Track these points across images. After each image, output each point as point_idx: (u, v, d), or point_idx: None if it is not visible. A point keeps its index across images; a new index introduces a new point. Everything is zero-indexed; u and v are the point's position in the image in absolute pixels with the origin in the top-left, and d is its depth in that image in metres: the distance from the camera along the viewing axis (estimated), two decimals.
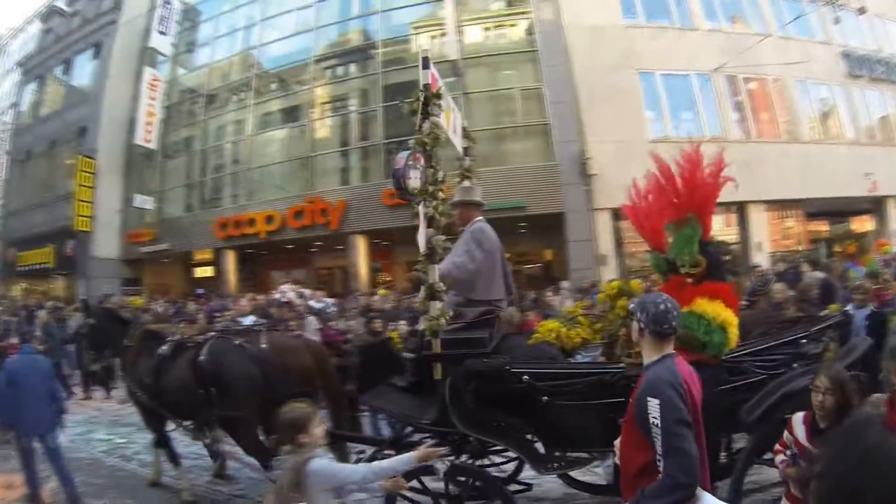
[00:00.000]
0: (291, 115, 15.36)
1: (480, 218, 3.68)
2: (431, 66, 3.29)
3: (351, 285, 13.33)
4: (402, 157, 3.18)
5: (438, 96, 3.22)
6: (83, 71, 18.99)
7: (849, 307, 5.01)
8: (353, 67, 14.95)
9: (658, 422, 1.84)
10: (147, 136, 16.28)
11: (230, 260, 15.25)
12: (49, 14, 22.16)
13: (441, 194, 3.18)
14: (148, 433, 4.79)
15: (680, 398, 1.87)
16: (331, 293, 11.37)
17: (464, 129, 4.40)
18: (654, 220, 3.18)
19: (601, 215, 11.88)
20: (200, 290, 14.12)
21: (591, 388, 2.66)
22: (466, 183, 4.18)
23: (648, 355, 2.04)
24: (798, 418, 2.43)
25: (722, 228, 12.60)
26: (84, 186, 15.96)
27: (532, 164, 12.47)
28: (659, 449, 1.85)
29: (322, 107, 14.86)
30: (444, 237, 3.12)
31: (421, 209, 3.11)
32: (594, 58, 12.29)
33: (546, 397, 2.70)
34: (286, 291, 8.11)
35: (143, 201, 16.33)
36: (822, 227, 15.05)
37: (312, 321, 6.40)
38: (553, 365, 2.95)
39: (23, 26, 25.02)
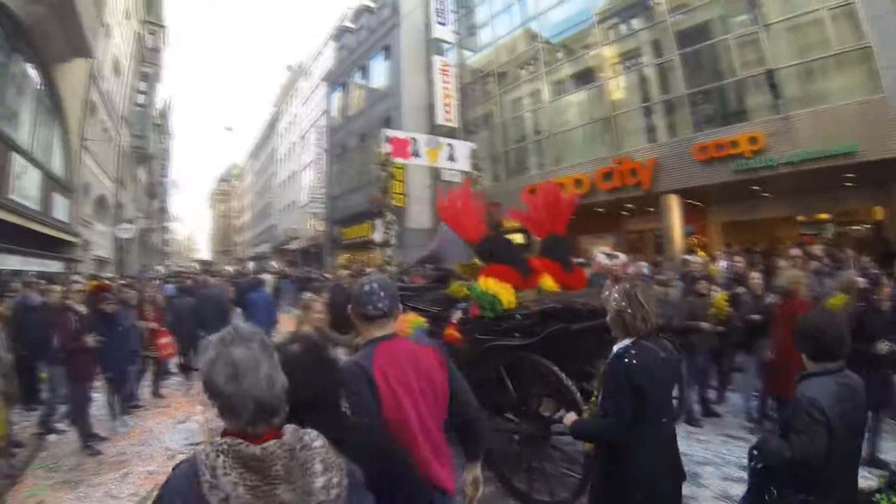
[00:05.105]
0: (584, 78, 15.46)
1: None
2: (392, 139, 7.37)
3: (663, 249, 13.02)
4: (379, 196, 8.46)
5: (388, 160, 7.45)
6: (378, 72, 22.53)
7: None
8: (634, 21, 14.38)
9: None
10: (447, 115, 18.40)
11: None
12: (340, 34, 26.95)
13: (390, 214, 7.52)
14: None
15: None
16: (644, 258, 10.85)
17: (472, 152, 8.34)
18: (467, 217, 4.40)
19: None
20: None
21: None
22: None
23: (363, 337, 1.89)
24: None
25: None
26: (396, 167, 19.10)
27: (851, 99, 9.97)
28: None
29: (614, 66, 14.63)
30: (393, 231, 6.67)
31: (380, 221, 7.00)
32: None
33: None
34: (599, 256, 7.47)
35: (451, 175, 18.00)
36: None
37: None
38: (407, 288, 5.31)
39: (320, 49, 30.98)
